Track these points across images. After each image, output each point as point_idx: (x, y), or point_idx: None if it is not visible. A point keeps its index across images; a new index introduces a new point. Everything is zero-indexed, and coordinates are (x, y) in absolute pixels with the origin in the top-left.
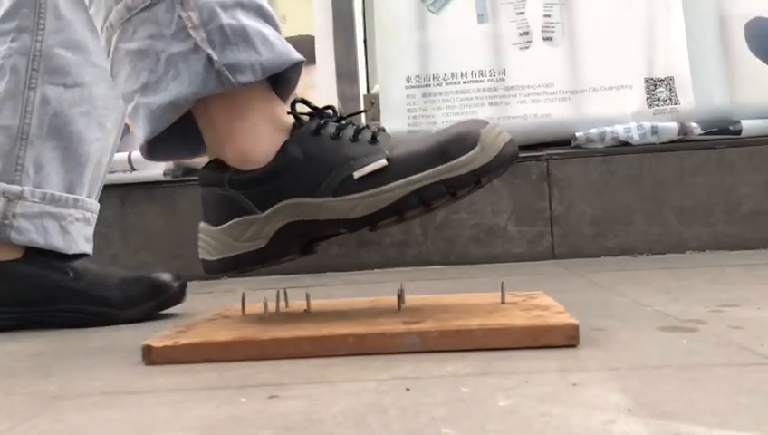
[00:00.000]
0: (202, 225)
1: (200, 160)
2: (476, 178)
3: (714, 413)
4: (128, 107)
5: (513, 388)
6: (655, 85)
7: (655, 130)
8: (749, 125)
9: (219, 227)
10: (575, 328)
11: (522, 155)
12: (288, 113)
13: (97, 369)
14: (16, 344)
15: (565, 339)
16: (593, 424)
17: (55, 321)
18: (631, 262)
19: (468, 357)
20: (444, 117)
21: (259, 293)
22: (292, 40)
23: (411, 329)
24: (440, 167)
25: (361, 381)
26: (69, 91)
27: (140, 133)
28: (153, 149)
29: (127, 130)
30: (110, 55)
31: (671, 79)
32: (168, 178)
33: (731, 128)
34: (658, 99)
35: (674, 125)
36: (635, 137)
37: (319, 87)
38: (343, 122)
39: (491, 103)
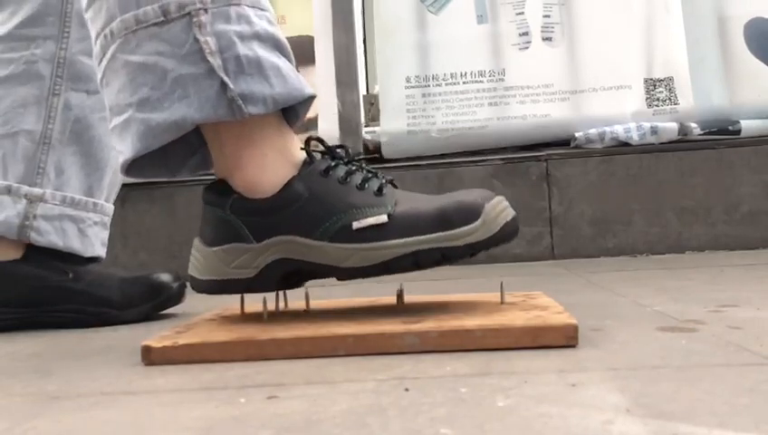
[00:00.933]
0: (197, 242)
1: None
2: (472, 251)
3: (713, 413)
4: (114, 119)
5: (512, 388)
6: (654, 85)
7: (654, 131)
8: (748, 125)
9: (212, 248)
10: (574, 328)
11: (521, 155)
12: (301, 149)
13: (96, 369)
14: (15, 345)
15: (564, 339)
16: (592, 424)
17: (55, 321)
18: (631, 262)
19: (467, 357)
20: (443, 117)
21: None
22: (291, 40)
23: (410, 329)
24: (439, 234)
25: (360, 382)
26: (91, 98)
27: (126, 148)
28: (130, 166)
29: None
30: (104, 63)
31: (670, 79)
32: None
33: (730, 128)
34: (658, 99)
35: (673, 125)
36: (634, 137)
37: (318, 88)
38: (353, 167)
39: (490, 104)
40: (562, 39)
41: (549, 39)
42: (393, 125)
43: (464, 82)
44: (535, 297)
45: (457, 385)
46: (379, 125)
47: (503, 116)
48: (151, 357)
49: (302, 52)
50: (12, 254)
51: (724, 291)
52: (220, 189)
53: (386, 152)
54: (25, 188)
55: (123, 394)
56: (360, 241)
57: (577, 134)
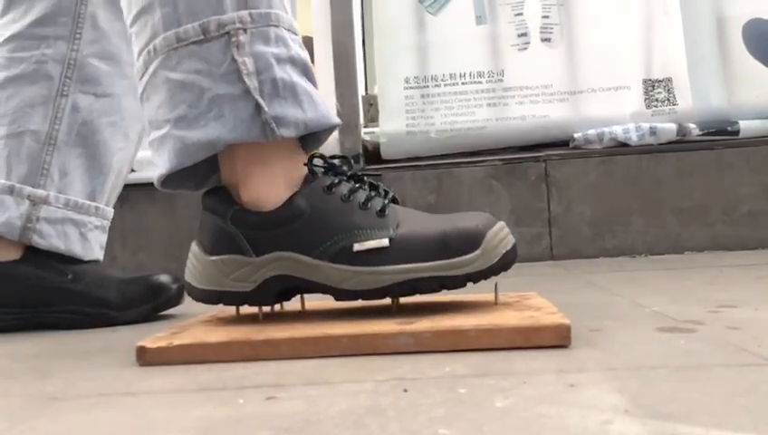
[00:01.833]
0: (195, 248)
1: None
2: (471, 280)
3: (711, 414)
4: (153, 133)
5: (510, 389)
6: (653, 86)
7: (653, 131)
8: (747, 126)
9: (211, 258)
10: (567, 328)
11: (520, 156)
12: (304, 164)
13: (95, 370)
14: (14, 346)
15: (557, 339)
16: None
17: (54, 322)
18: (629, 262)
19: (466, 358)
20: (442, 118)
21: None
22: None
23: (404, 329)
24: (438, 262)
25: (359, 382)
26: (99, 101)
27: (163, 163)
28: (167, 179)
29: None
30: (145, 78)
31: (669, 80)
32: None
33: (729, 129)
34: (657, 100)
35: (672, 126)
36: (633, 138)
37: (317, 88)
38: (356, 184)
39: (489, 104)
40: (561, 40)
41: (548, 40)
42: (392, 126)
43: (463, 83)
44: (529, 298)
45: (456, 386)
46: (378, 126)
47: (502, 117)
48: (146, 358)
49: None
50: (11, 254)
51: (722, 291)
52: (221, 197)
53: (385, 153)
54: (28, 189)
55: (122, 395)
56: (359, 264)
57: (576, 135)
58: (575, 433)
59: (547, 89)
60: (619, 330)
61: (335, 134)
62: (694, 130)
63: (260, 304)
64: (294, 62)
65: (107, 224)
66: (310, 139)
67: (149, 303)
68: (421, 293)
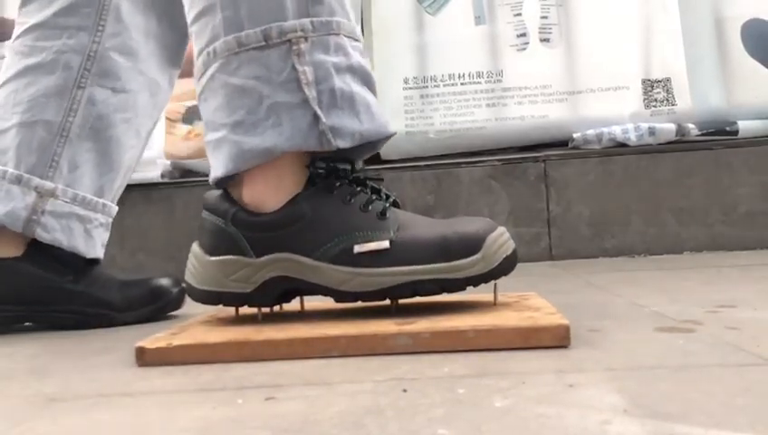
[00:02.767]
0: (195, 248)
1: (198, 161)
2: (471, 284)
3: (710, 414)
4: (209, 134)
5: (509, 389)
6: (652, 86)
7: (652, 132)
8: (746, 126)
9: (211, 259)
10: (566, 329)
11: (519, 156)
12: (306, 166)
13: (94, 371)
14: (14, 346)
15: (556, 340)
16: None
17: (53, 321)
18: (629, 263)
19: (465, 358)
20: (441, 118)
21: None
22: None
23: (403, 330)
24: (438, 265)
25: (358, 383)
26: (116, 96)
27: (218, 166)
28: (221, 180)
29: None
30: (204, 80)
31: (668, 80)
32: (166, 180)
33: (728, 129)
34: (655, 100)
35: (671, 126)
36: (632, 138)
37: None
38: (357, 187)
39: (488, 105)
40: (560, 40)
41: (547, 40)
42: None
43: (462, 84)
44: (529, 298)
45: (455, 386)
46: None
47: (501, 117)
48: (145, 358)
49: None
50: (13, 250)
51: (721, 291)
52: (223, 198)
53: (384, 153)
54: (36, 180)
55: (121, 396)
56: (360, 265)
57: (575, 135)
58: (574, 433)
59: (546, 89)
60: (618, 330)
61: None
62: (693, 130)
63: (260, 306)
64: (354, 70)
65: (110, 221)
66: (365, 146)
67: (150, 305)
68: (421, 295)
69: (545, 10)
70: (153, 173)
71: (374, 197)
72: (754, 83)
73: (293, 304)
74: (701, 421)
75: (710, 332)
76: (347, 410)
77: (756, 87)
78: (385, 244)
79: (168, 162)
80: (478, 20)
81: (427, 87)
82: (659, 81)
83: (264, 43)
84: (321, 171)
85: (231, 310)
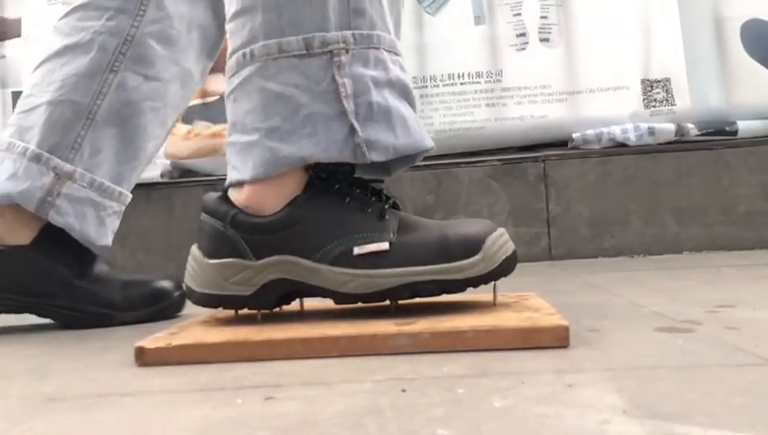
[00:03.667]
0: (195, 251)
1: (197, 161)
2: (470, 285)
3: (709, 414)
4: (235, 135)
5: (508, 389)
6: (651, 86)
7: (651, 132)
8: (745, 126)
9: (211, 261)
10: (565, 329)
11: (519, 156)
12: (305, 169)
13: (93, 371)
14: (13, 346)
15: (556, 340)
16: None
17: (54, 316)
18: (628, 263)
19: (464, 358)
20: (441, 118)
21: None
22: None
23: (402, 330)
24: (438, 266)
25: (358, 383)
26: (147, 84)
27: (246, 169)
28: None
29: None
30: (236, 80)
31: (668, 80)
32: (166, 180)
33: (727, 129)
34: (655, 100)
35: (670, 126)
36: (632, 138)
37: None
38: (356, 190)
39: (488, 105)
40: (560, 40)
41: (546, 40)
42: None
43: (461, 83)
44: (528, 298)
45: (454, 386)
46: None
47: (500, 117)
48: (145, 358)
49: None
50: (21, 238)
51: (720, 291)
52: (221, 200)
53: None
54: (56, 161)
55: (120, 395)
56: (359, 267)
57: (574, 135)
58: (573, 433)
59: (546, 89)
60: (618, 330)
61: None
62: (692, 130)
63: (260, 308)
64: (392, 85)
65: (123, 210)
66: (401, 159)
67: (150, 307)
68: (421, 296)
69: (545, 10)
70: (153, 173)
71: (373, 198)
72: (754, 83)
73: (293, 305)
74: (700, 421)
75: (709, 332)
76: (346, 410)
77: (756, 87)
78: (384, 245)
79: (168, 162)
80: (478, 20)
81: (426, 87)
82: (659, 81)
83: (305, 52)
84: (320, 174)
85: (231, 310)
